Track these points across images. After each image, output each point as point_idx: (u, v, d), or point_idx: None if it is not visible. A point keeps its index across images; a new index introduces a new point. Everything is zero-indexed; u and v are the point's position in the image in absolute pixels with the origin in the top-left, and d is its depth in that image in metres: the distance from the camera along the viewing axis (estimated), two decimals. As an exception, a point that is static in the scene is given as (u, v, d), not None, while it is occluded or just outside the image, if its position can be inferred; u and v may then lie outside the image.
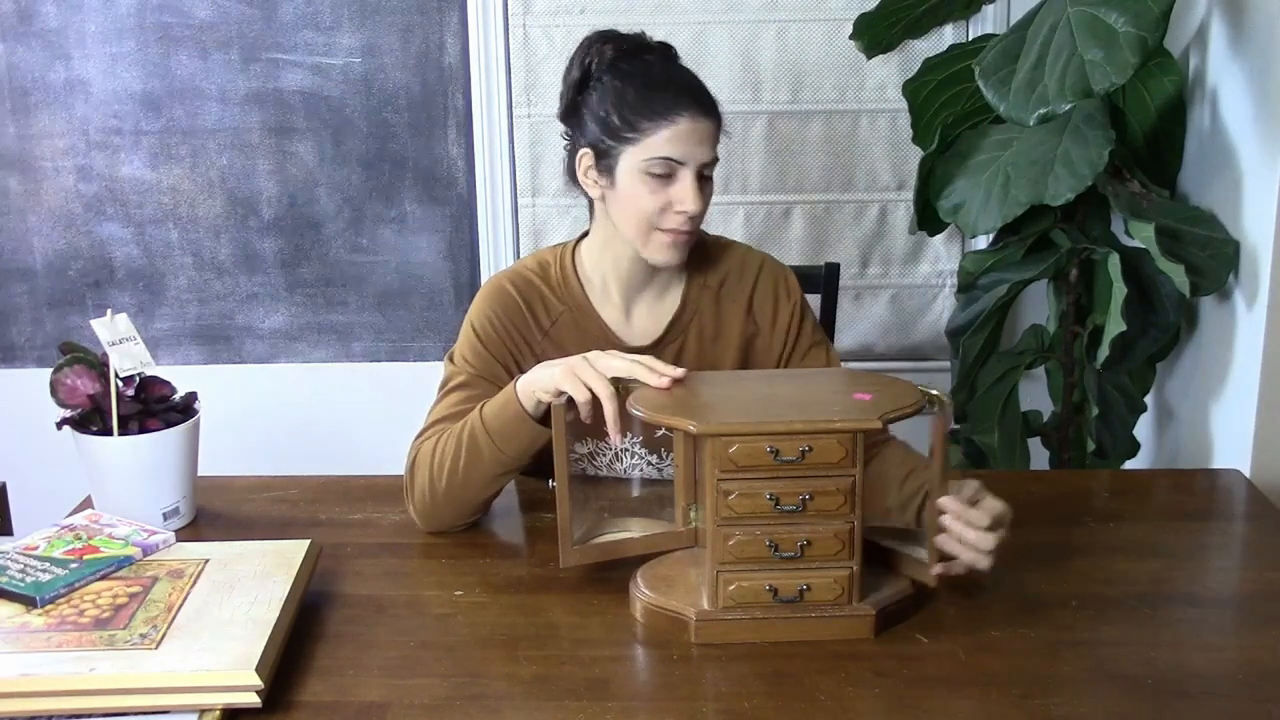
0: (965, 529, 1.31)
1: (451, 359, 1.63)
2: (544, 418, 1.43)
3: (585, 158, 1.57)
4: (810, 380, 1.48)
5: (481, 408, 1.47)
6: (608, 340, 1.63)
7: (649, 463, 1.67)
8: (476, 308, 1.64)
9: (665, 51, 1.59)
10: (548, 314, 1.64)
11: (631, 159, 1.51)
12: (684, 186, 1.51)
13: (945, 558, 1.34)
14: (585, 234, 1.67)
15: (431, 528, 1.54)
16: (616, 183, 1.54)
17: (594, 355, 1.38)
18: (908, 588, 1.34)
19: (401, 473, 1.57)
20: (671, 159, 1.50)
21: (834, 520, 1.28)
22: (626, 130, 1.51)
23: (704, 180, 1.54)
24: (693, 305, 1.65)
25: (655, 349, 1.64)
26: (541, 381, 1.41)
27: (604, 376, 1.35)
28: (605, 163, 1.54)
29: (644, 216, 1.54)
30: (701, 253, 1.67)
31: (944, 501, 1.32)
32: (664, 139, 1.50)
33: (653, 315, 1.66)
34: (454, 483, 1.48)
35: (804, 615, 1.29)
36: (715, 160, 1.54)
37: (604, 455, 1.69)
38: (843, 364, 1.75)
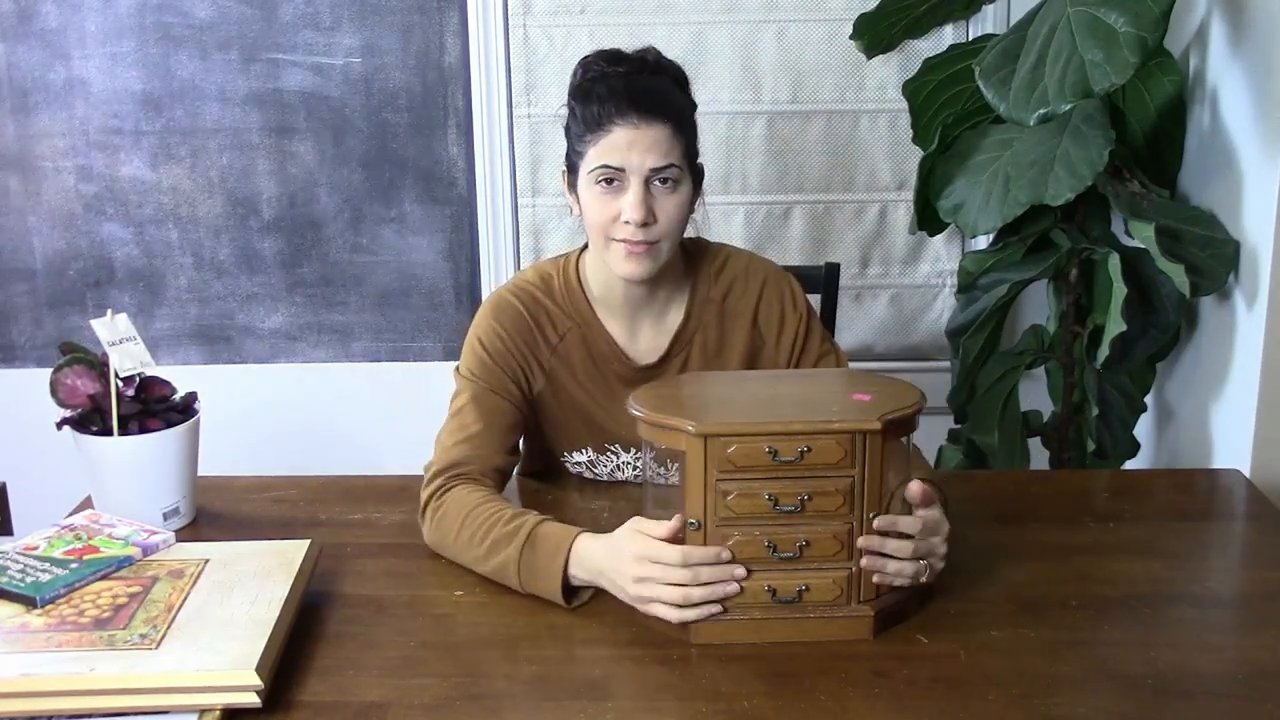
0: (884, 541, 1.29)
1: (458, 373, 1.62)
2: (570, 593, 1.36)
3: (564, 175, 1.60)
4: (810, 381, 1.48)
5: (521, 550, 1.36)
6: (615, 357, 1.62)
7: (656, 472, 1.67)
8: (481, 323, 1.62)
9: (640, 60, 1.57)
10: (555, 330, 1.63)
11: (584, 171, 1.53)
12: (627, 195, 1.50)
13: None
14: (587, 245, 1.66)
15: None
16: (580, 196, 1.55)
17: (634, 576, 1.30)
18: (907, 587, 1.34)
19: (403, 473, 1.56)
20: (610, 166, 1.50)
21: (833, 521, 1.28)
22: (578, 144, 1.53)
23: (662, 188, 1.51)
24: (696, 319, 1.64)
25: (659, 366, 1.63)
26: (614, 593, 1.34)
27: (663, 581, 1.28)
28: (572, 178, 1.57)
29: (597, 227, 1.53)
30: (704, 265, 1.66)
31: (879, 521, 1.30)
32: (603, 148, 1.50)
33: (657, 331, 1.64)
34: (474, 566, 1.43)
35: (803, 616, 1.29)
36: (670, 166, 1.50)
37: (604, 465, 1.68)
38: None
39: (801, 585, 1.28)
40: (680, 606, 1.28)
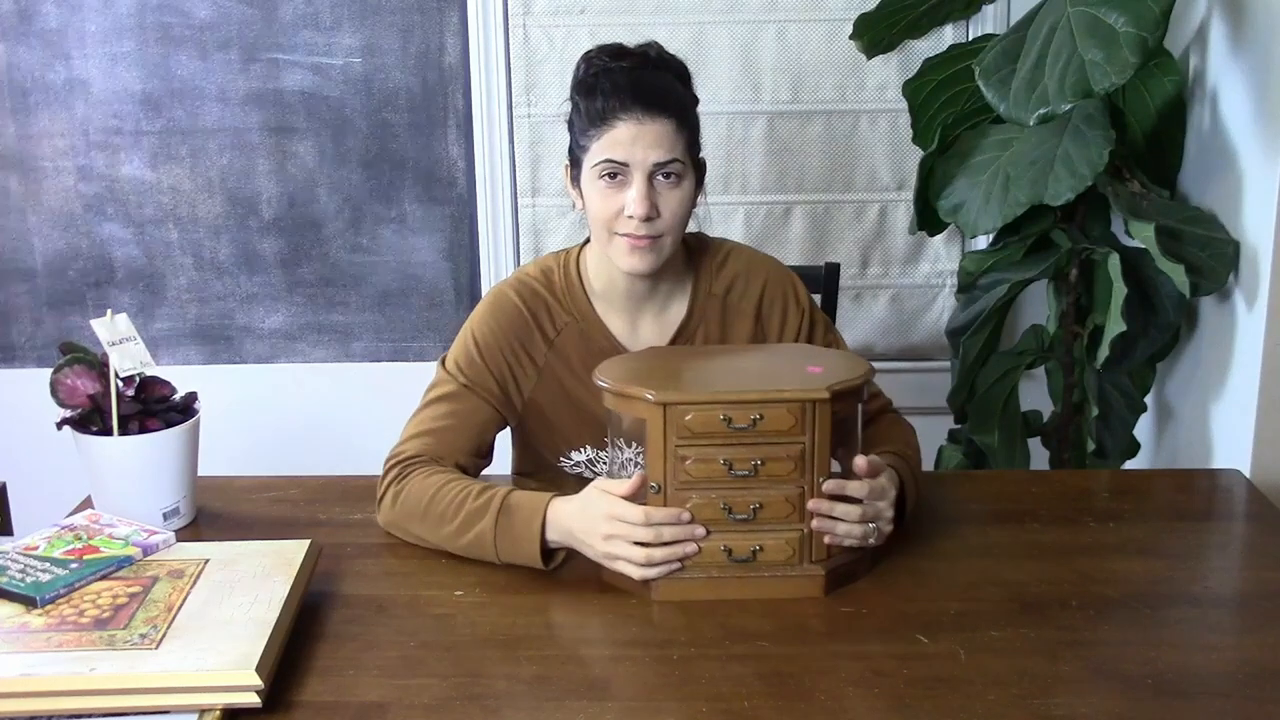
0: (833, 505, 1.37)
1: (444, 364, 1.63)
2: (547, 557, 1.42)
3: (566, 169, 1.61)
4: (767, 354, 1.55)
5: (496, 520, 1.42)
6: (614, 351, 1.62)
7: (642, 466, 1.67)
8: (479, 317, 1.63)
9: (642, 55, 1.57)
10: (553, 324, 1.63)
11: (587, 166, 1.53)
12: (630, 190, 1.51)
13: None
14: (589, 239, 1.66)
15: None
16: (583, 190, 1.56)
17: (603, 534, 1.37)
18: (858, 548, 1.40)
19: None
20: (614, 161, 1.50)
21: (785, 485, 1.35)
22: (581, 138, 1.54)
23: (665, 182, 1.52)
24: (698, 314, 1.64)
25: None
26: (583, 552, 1.41)
27: (629, 539, 1.35)
28: (575, 172, 1.58)
29: (600, 221, 1.54)
30: (706, 260, 1.66)
31: (827, 485, 1.37)
32: (606, 143, 1.51)
33: (658, 325, 1.65)
34: (443, 544, 1.48)
35: (757, 575, 1.36)
36: (673, 161, 1.51)
37: (603, 465, 1.68)
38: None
39: (756, 546, 1.36)
40: (642, 565, 1.35)
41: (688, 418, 1.33)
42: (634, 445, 1.66)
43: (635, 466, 1.67)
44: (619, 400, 1.38)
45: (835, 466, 1.41)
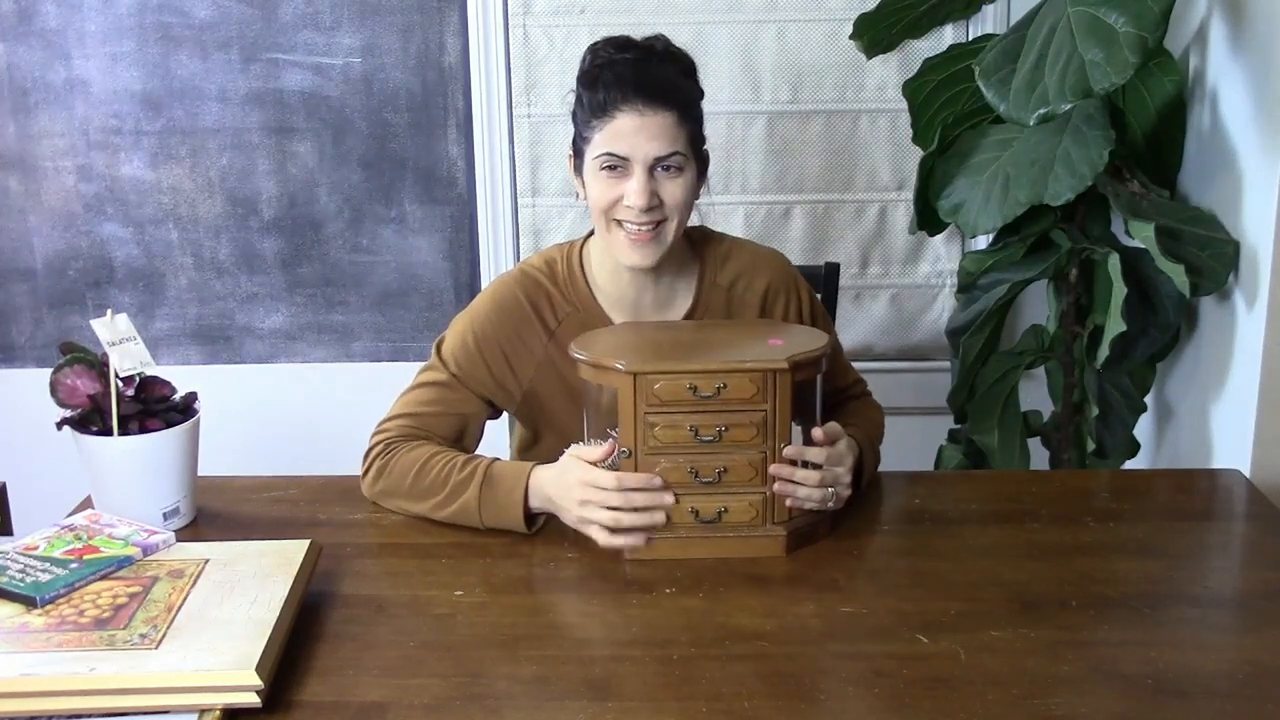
0: (793, 470, 1.44)
1: (439, 349, 1.64)
2: (532, 519, 1.51)
3: (570, 159, 1.61)
4: (732, 329, 1.61)
5: (481, 490, 1.49)
6: None
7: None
8: (479, 311, 1.64)
9: (648, 48, 1.58)
10: (554, 315, 1.63)
11: (589, 157, 1.54)
12: (630, 181, 1.52)
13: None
14: (593, 231, 1.66)
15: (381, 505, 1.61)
16: (585, 180, 1.57)
17: (577, 499, 1.44)
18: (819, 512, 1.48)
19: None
20: (615, 154, 1.51)
21: (748, 450, 1.43)
22: (584, 130, 1.55)
23: (666, 174, 1.53)
24: (703, 305, 1.65)
25: None
26: (560, 516, 1.49)
27: (602, 504, 1.43)
28: (578, 162, 1.59)
29: (600, 212, 1.55)
30: (713, 252, 1.67)
31: (788, 451, 1.45)
32: (607, 135, 1.52)
33: (662, 315, 1.65)
34: (430, 514, 1.54)
35: (723, 535, 1.45)
36: (675, 154, 1.52)
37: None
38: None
39: (721, 507, 1.44)
40: (612, 531, 1.42)
41: (656, 386, 1.40)
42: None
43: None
44: (594, 371, 1.45)
45: (797, 433, 1.48)
